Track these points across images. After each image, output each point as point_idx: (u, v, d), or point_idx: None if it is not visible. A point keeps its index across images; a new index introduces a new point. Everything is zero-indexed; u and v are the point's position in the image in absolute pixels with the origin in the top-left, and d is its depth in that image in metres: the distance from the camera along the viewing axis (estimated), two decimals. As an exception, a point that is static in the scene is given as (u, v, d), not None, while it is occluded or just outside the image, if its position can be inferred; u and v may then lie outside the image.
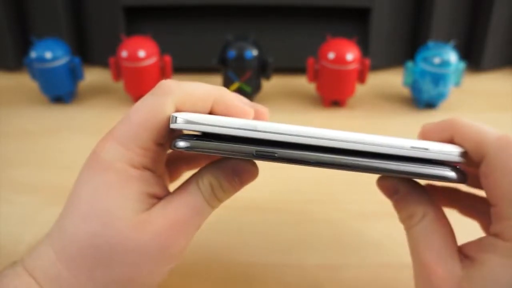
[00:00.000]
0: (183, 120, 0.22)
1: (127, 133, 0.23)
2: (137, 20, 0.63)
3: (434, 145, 0.23)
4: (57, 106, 0.56)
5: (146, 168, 0.24)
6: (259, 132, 0.22)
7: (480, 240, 0.23)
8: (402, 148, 0.23)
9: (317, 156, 0.22)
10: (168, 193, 0.26)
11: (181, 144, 0.22)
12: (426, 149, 0.23)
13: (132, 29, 0.62)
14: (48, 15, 0.62)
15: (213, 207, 0.25)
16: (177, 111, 0.24)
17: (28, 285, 0.23)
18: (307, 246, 0.35)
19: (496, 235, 0.22)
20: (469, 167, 0.25)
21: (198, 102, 0.24)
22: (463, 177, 0.23)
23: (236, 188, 0.25)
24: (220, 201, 0.25)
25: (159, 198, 0.25)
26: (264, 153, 0.22)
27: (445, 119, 0.25)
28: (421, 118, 0.54)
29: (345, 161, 0.22)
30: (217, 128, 0.22)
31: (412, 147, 0.22)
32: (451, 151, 0.23)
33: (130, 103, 0.56)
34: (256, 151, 0.22)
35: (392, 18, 0.62)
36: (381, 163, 0.23)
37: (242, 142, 0.22)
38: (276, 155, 0.22)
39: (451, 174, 0.23)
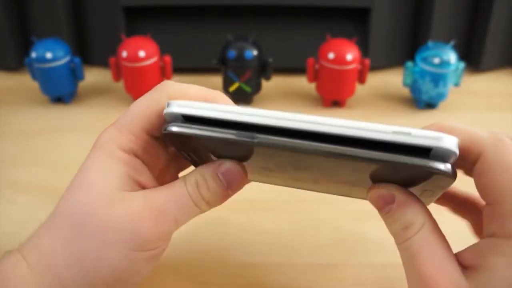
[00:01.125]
0: (176, 104, 0.23)
1: (123, 120, 0.25)
2: (137, 20, 0.63)
3: (420, 130, 0.21)
4: (57, 106, 0.56)
5: (135, 155, 0.25)
6: (240, 115, 0.22)
7: (476, 246, 0.22)
8: (384, 132, 0.21)
9: (291, 142, 0.21)
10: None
11: (171, 128, 0.23)
12: (409, 133, 0.20)
13: (132, 29, 0.62)
14: (48, 15, 0.62)
15: (198, 205, 0.25)
16: None
17: (13, 259, 0.23)
18: (307, 246, 0.35)
19: (494, 235, 0.21)
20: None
21: (188, 97, 0.26)
22: (454, 172, 0.21)
23: (222, 190, 0.25)
24: (205, 200, 0.25)
25: (144, 188, 0.25)
26: (244, 136, 0.22)
27: (430, 124, 0.24)
28: (421, 118, 0.54)
29: (322, 148, 0.21)
30: (204, 111, 0.23)
31: (395, 132, 0.20)
32: (440, 136, 0.20)
33: (130, 103, 0.56)
34: (237, 133, 0.22)
35: (392, 18, 0.62)
36: (355, 150, 0.21)
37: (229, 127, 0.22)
38: (255, 140, 0.22)
39: (442, 166, 0.20)
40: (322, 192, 0.30)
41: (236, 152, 0.24)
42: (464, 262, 0.22)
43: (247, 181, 0.26)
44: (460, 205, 0.28)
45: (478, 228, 0.27)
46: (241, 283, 0.32)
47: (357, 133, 0.21)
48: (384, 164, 0.21)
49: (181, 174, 0.27)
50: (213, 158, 0.25)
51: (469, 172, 0.24)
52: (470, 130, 0.23)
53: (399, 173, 0.22)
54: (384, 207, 0.23)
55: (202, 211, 0.25)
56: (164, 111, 0.24)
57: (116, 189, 0.24)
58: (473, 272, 0.21)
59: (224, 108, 0.23)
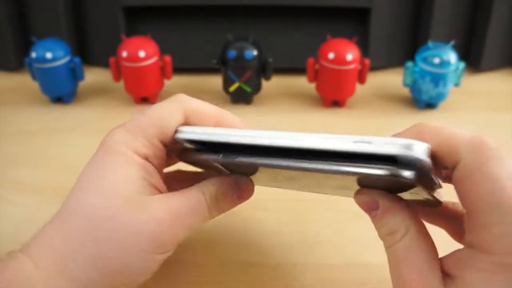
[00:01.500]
0: (187, 131, 0.26)
1: (137, 125, 0.26)
2: (137, 20, 0.63)
3: (383, 138, 0.20)
4: (57, 106, 0.56)
5: (148, 159, 0.26)
6: (228, 136, 0.24)
7: (457, 253, 0.22)
8: (344, 143, 0.21)
9: (262, 160, 0.24)
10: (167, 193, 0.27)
11: (181, 135, 0.26)
12: (369, 142, 0.20)
13: (132, 29, 0.62)
14: (48, 15, 0.62)
15: (211, 213, 0.27)
16: (185, 120, 0.27)
17: (18, 261, 0.23)
18: (307, 246, 0.35)
19: (473, 247, 0.21)
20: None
21: (205, 117, 0.27)
22: (421, 179, 0.20)
23: (234, 200, 0.28)
24: (217, 209, 0.27)
25: (159, 191, 0.26)
26: (227, 158, 0.24)
27: (413, 125, 0.23)
28: (421, 118, 0.54)
29: (289, 163, 0.23)
30: (204, 136, 0.25)
31: (355, 142, 0.21)
32: (408, 143, 0.20)
33: (130, 103, 0.56)
34: (222, 156, 0.25)
35: (392, 18, 0.62)
36: (313, 164, 0.22)
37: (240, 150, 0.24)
38: (236, 159, 0.24)
39: (406, 173, 0.20)
40: (324, 193, 0.32)
41: (242, 168, 0.27)
42: (447, 270, 0.22)
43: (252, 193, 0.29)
44: (433, 213, 0.28)
45: (455, 234, 0.27)
46: (241, 283, 0.32)
47: (316, 145, 0.22)
48: (350, 175, 0.21)
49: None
50: (221, 168, 0.28)
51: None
52: (450, 133, 0.22)
53: (378, 180, 0.22)
54: (370, 212, 0.24)
55: (211, 218, 0.27)
56: (176, 136, 0.26)
57: (136, 193, 0.25)
58: (451, 282, 0.21)
59: (218, 132, 0.25)
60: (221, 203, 0.27)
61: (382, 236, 0.24)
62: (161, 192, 0.27)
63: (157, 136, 0.26)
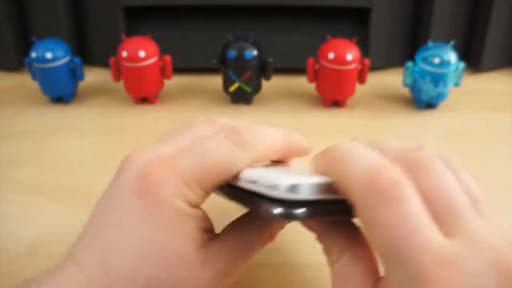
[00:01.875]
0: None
1: (195, 173, 0.22)
2: (137, 20, 0.63)
3: (269, 176, 0.22)
4: (57, 106, 0.56)
5: (200, 205, 0.24)
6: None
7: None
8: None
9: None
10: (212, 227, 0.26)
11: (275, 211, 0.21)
12: (254, 181, 0.22)
13: (132, 29, 0.62)
14: (48, 15, 0.62)
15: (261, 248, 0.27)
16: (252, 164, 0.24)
17: None
18: (307, 246, 0.35)
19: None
20: None
21: (272, 156, 0.26)
22: (290, 213, 0.21)
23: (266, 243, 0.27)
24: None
25: (209, 231, 0.25)
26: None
27: (325, 149, 0.23)
28: (421, 118, 0.54)
29: None
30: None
31: (251, 181, 0.22)
32: (286, 186, 0.21)
33: (130, 103, 0.56)
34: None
35: (392, 18, 0.62)
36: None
37: None
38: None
39: (274, 209, 0.21)
40: None
41: None
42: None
43: None
44: None
45: None
46: (240, 283, 0.32)
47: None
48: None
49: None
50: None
51: None
52: (342, 169, 0.21)
53: None
54: (315, 232, 0.25)
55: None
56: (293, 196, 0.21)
57: (196, 250, 0.23)
58: None
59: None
60: (273, 237, 0.27)
61: (325, 256, 0.25)
62: (211, 228, 0.25)
63: (215, 185, 0.23)
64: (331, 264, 0.23)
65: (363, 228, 0.20)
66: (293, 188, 0.20)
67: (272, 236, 0.27)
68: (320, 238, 0.24)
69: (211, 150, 0.23)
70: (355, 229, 0.24)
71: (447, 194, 0.19)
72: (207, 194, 0.24)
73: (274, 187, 0.21)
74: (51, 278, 0.21)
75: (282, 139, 0.26)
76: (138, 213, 0.22)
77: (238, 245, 0.25)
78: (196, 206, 0.23)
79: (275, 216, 0.21)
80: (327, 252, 0.24)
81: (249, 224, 0.26)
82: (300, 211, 0.21)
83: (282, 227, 0.28)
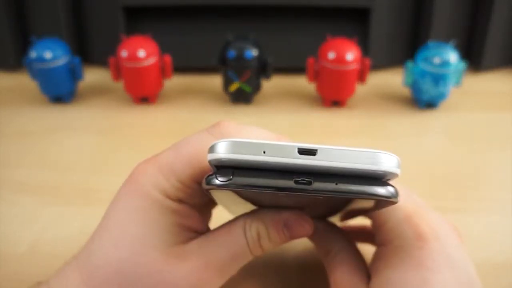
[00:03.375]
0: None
1: (171, 164, 0.23)
2: (137, 20, 0.63)
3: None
4: (57, 106, 0.56)
5: (182, 201, 0.24)
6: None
7: (372, 256, 0.27)
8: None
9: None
10: (208, 229, 0.25)
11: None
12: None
13: (132, 29, 0.62)
14: (48, 15, 0.62)
15: (253, 254, 0.24)
16: None
17: None
18: (307, 246, 0.35)
19: (378, 245, 0.26)
20: None
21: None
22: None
23: (284, 241, 0.25)
24: (263, 250, 0.24)
25: (196, 232, 0.24)
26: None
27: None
28: (421, 118, 0.54)
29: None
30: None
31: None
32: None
33: (130, 103, 0.56)
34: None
35: (392, 18, 0.62)
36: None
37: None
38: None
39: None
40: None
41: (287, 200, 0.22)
42: (369, 273, 0.26)
43: (312, 229, 0.25)
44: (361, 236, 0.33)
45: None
46: (240, 283, 0.32)
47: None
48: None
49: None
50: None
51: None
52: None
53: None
54: (311, 236, 0.29)
55: (255, 256, 0.25)
56: (209, 156, 0.20)
57: (169, 244, 0.23)
58: (371, 279, 0.25)
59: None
60: (266, 245, 0.24)
61: (320, 255, 0.28)
62: (201, 231, 0.25)
63: (192, 178, 0.23)
64: (329, 262, 0.27)
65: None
66: (212, 148, 0.19)
67: (261, 239, 0.24)
68: (319, 239, 0.28)
69: (187, 142, 0.24)
70: (345, 232, 0.29)
71: None
72: (186, 187, 0.23)
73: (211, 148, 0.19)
74: (57, 272, 0.23)
75: (265, 135, 0.25)
76: (121, 203, 0.23)
77: (216, 252, 0.23)
78: (176, 199, 0.23)
79: (208, 187, 0.20)
80: (325, 251, 0.28)
81: (236, 231, 0.24)
82: (221, 179, 0.19)
83: (275, 242, 0.25)
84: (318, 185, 0.19)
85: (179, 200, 0.23)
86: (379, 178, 0.19)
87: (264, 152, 0.19)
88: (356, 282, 0.25)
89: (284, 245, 0.26)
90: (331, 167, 0.19)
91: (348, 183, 0.19)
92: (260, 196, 0.21)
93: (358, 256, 0.27)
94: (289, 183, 0.19)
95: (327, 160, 0.19)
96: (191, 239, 0.24)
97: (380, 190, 0.19)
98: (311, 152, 0.19)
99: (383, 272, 0.24)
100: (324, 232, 0.28)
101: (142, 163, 0.24)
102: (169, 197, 0.23)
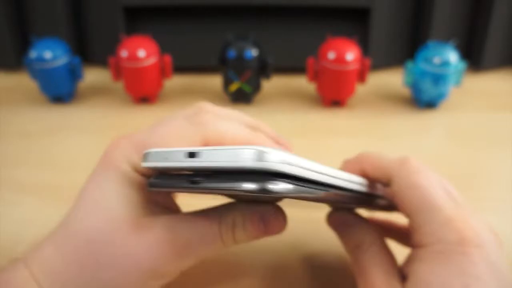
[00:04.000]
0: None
1: (145, 140, 0.24)
2: (137, 20, 0.63)
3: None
4: (57, 106, 0.56)
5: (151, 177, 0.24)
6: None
7: (408, 256, 0.25)
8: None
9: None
10: (178, 210, 0.26)
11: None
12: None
13: (132, 29, 0.62)
14: (48, 15, 0.62)
15: (225, 244, 0.24)
16: (204, 145, 0.24)
17: (22, 278, 0.23)
18: (307, 246, 0.35)
19: (415, 246, 0.24)
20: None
21: (225, 144, 0.25)
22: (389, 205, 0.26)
23: (258, 235, 0.25)
24: (235, 241, 0.24)
25: (165, 208, 0.25)
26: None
27: (357, 154, 0.29)
28: (421, 118, 0.54)
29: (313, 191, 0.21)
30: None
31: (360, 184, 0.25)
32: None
33: (130, 103, 0.56)
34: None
35: (392, 18, 0.62)
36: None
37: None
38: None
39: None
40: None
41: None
42: (403, 272, 0.25)
43: (284, 226, 0.26)
44: (403, 237, 0.31)
45: (405, 244, 0.31)
46: (241, 283, 0.32)
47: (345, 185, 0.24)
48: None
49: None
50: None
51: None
52: (382, 158, 0.27)
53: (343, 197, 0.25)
54: (338, 227, 0.29)
55: (227, 248, 0.25)
56: (143, 164, 0.22)
57: (136, 216, 0.23)
58: (405, 280, 0.24)
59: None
60: (240, 235, 0.24)
61: (349, 248, 0.27)
62: (170, 208, 0.25)
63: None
64: (361, 253, 0.26)
65: (398, 194, 0.25)
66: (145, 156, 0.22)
67: (234, 239, 0.24)
68: (354, 230, 0.27)
69: (164, 124, 0.25)
70: (373, 224, 0.28)
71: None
72: None
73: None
74: (34, 246, 0.24)
75: (243, 133, 0.26)
76: (95, 175, 0.24)
77: (186, 230, 0.23)
78: (145, 175, 0.24)
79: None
80: (358, 243, 0.27)
81: (210, 215, 0.24)
82: (153, 180, 0.22)
83: (249, 230, 0.25)
84: (204, 184, 0.21)
85: (149, 176, 0.24)
86: (258, 173, 0.19)
87: (166, 159, 0.21)
88: (393, 283, 0.24)
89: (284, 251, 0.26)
90: (207, 166, 0.20)
91: (220, 180, 0.20)
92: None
93: (390, 252, 0.26)
94: (185, 183, 0.21)
95: (205, 161, 0.20)
96: (160, 214, 0.24)
97: (245, 185, 0.19)
98: (194, 155, 0.20)
99: (422, 276, 0.23)
100: (353, 223, 0.28)
101: (117, 138, 0.25)
102: (138, 171, 0.24)
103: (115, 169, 0.24)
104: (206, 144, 0.24)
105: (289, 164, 0.19)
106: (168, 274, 0.24)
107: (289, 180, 0.20)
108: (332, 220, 0.29)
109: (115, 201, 0.23)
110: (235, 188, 0.19)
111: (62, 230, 0.24)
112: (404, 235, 0.30)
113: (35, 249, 0.24)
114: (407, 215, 0.25)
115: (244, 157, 0.19)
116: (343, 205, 0.26)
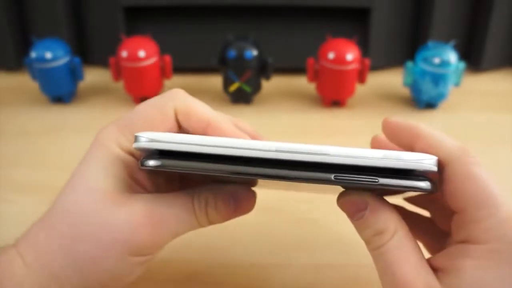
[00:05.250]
0: (147, 139, 0.22)
1: (125, 120, 0.26)
2: (137, 20, 0.63)
3: (405, 154, 0.22)
4: (57, 106, 0.56)
5: (135, 157, 0.25)
6: (214, 148, 0.22)
7: (447, 250, 0.23)
8: (373, 158, 0.22)
9: (286, 173, 0.22)
10: (157, 191, 0.26)
11: (151, 162, 0.22)
12: (400, 158, 0.22)
13: (132, 29, 0.62)
14: (48, 15, 0.62)
15: (199, 222, 0.25)
16: (175, 117, 0.26)
17: (8, 256, 0.23)
18: (307, 246, 0.35)
19: (464, 241, 0.22)
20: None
21: (193, 117, 0.26)
22: (435, 186, 0.23)
23: (229, 213, 0.26)
24: (208, 220, 0.25)
25: (145, 189, 0.26)
26: (241, 173, 0.22)
27: (407, 123, 0.26)
28: (421, 118, 0.54)
29: (316, 175, 0.22)
30: (181, 145, 0.22)
31: (385, 156, 0.22)
32: (425, 159, 0.22)
33: (130, 103, 0.56)
34: (232, 171, 0.22)
35: (392, 18, 0.62)
36: (355, 177, 0.22)
37: (215, 160, 0.22)
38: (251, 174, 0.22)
39: (425, 184, 0.22)
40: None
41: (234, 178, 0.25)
42: (435, 265, 0.23)
43: (253, 206, 0.27)
44: (413, 226, 0.27)
45: (430, 247, 0.29)
46: (241, 283, 0.32)
47: (349, 162, 0.22)
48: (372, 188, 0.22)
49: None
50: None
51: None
52: (439, 139, 0.25)
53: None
54: (356, 213, 0.24)
55: (202, 227, 0.26)
56: (134, 145, 0.23)
57: (115, 190, 0.24)
58: (445, 274, 0.22)
59: (190, 140, 0.22)
60: (212, 214, 0.25)
61: (368, 237, 0.24)
62: (147, 191, 0.26)
63: (144, 130, 0.24)
64: (384, 242, 0.23)
65: (452, 183, 0.23)
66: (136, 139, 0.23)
67: (208, 218, 0.25)
68: (377, 215, 0.24)
69: (142, 103, 0.27)
70: (397, 209, 0.25)
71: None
72: None
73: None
74: (24, 232, 0.25)
75: (209, 111, 0.27)
76: (84, 156, 0.25)
77: (161, 207, 0.24)
78: (129, 153, 0.25)
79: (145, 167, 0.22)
80: (380, 230, 0.23)
81: (184, 195, 0.25)
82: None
83: (223, 209, 0.26)
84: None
85: (133, 154, 0.25)
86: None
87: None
88: (426, 276, 0.22)
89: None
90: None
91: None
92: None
93: (414, 239, 0.24)
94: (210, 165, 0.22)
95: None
96: (139, 192, 0.25)
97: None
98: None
99: (471, 273, 0.21)
100: (377, 206, 0.23)
101: (105, 125, 0.26)
102: (123, 149, 0.25)
103: (102, 148, 0.25)
104: (178, 115, 0.26)
105: (157, 141, 0.22)
106: (145, 250, 0.24)
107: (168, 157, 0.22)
108: (343, 201, 0.25)
109: (98, 176, 0.24)
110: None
111: (49, 208, 0.25)
112: (413, 225, 0.27)
113: (26, 236, 0.24)
114: (460, 208, 0.23)
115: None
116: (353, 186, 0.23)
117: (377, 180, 0.22)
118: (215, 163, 0.22)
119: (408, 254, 0.22)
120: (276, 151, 0.21)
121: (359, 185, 0.22)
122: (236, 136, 0.26)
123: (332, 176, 0.22)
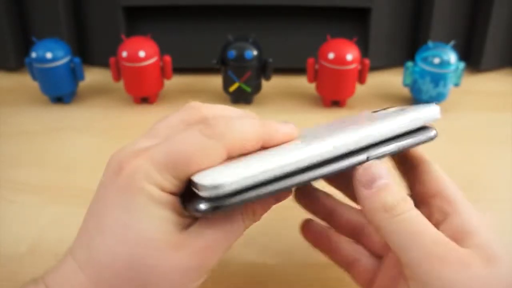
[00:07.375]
0: (211, 186, 0.22)
1: (166, 160, 0.23)
2: (137, 20, 0.63)
3: (416, 113, 0.25)
4: (58, 106, 0.56)
5: (175, 194, 0.24)
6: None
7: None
8: (403, 125, 0.24)
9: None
10: None
11: (203, 207, 0.22)
12: (419, 118, 0.25)
13: (132, 29, 0.62)
14: (48, 16, 0.62)
15: (246, 226, 0.26)
16: (227, 155, 0.24)
17: None
18: (307, 246, 0.35)
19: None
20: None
21: (248, 146, 0.24)
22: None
23: (271, 206, 0.27)
24: (254, 220, 0.26)
25: (191, 217, 0.25)
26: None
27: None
28: (421, 118, 0.54)
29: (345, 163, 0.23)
30: (249, 179, 0.22)
31: (412, 120, 0.24)
32: (434, 109, 0.25)
33: (130, 103, 0.56)
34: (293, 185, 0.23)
35: (392, 18, 0.62)
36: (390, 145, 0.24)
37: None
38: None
39: (435, 131, 0.25)
40: None
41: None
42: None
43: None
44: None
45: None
46: (241, 283, 0.32)
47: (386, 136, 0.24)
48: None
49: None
50: None
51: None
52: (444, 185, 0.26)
53: None
54: (376, 181, 0.23)
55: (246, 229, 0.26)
56: (202, 194, 0.22)
57: (171, 233, 0.23)
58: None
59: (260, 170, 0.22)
60: (258, 215, 0.26)
61: (390, 205, 0.23)
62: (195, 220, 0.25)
63: (188, 176, 0.23)
64: (404, 211, 0.23)
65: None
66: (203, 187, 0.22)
67: (255, 215, 0.26)
68: (395, 183, 0.24)
69: (181, 140, 0.24)
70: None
71: None
72: (179, 182, 0.24)
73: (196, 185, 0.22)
74: (53, 271, 0.24)
75: (259, 128, 0.25)
76: (117, 201, 0.23)
77: (215, 233, 0.24)
78: (170, 192, 0.24)
79: (202, 212, 0.22)
80: (403, 196, 0.23)
81: (235, 216, 0.25)
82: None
83: (266, 207, 0.26)
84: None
85: (173, 193, 0.24)
86: None
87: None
88: (451, 244, 0.23)
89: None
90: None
91: None
92: None
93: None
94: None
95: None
96: (189, 225, 0.24)
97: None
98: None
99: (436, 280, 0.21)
100: (391, 175, 0.24)
101: (130, 157, 0.24)
102: (164, 190, 0.23)
103: (139, 191, 0.23)
104: (229, 155, 0.24)
105: (223, 186, 0.21)
106: (208, 271, 0.25)
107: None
108: (362, 173, 0.24)
109: (148, 225, 0.23)
110: None
111: (93, 258, 0.23)
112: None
113: (59, 273, 0.23)
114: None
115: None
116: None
117: (400, 146, 0.24)
118: (278, 181, 0.22)
119: (428, 223, 0.23)
120: (334, 148, 0.23)
121: (385, 156, 0.24)
122: (290, 139, 0.26)
123: (365, 157, 0.24)
